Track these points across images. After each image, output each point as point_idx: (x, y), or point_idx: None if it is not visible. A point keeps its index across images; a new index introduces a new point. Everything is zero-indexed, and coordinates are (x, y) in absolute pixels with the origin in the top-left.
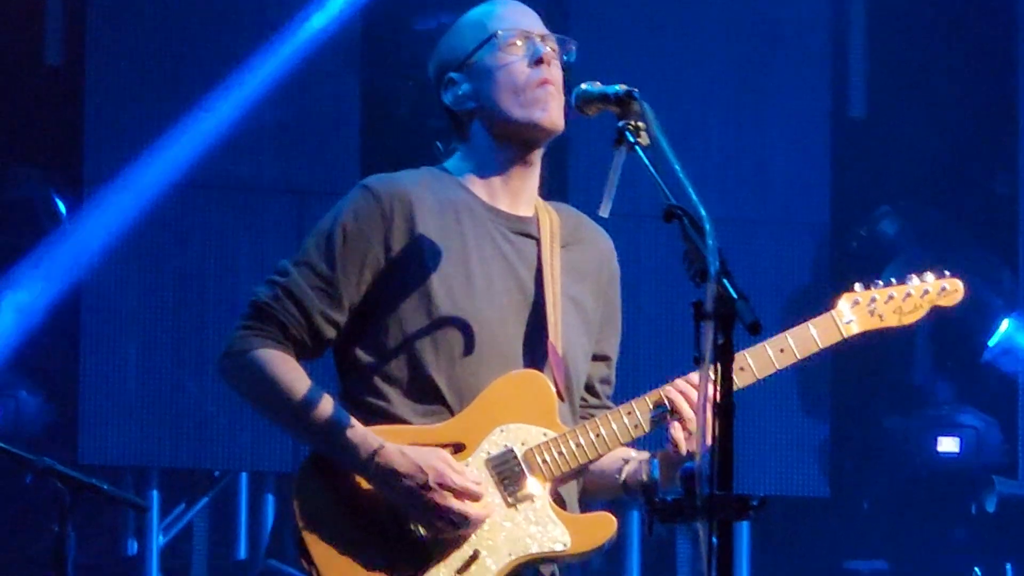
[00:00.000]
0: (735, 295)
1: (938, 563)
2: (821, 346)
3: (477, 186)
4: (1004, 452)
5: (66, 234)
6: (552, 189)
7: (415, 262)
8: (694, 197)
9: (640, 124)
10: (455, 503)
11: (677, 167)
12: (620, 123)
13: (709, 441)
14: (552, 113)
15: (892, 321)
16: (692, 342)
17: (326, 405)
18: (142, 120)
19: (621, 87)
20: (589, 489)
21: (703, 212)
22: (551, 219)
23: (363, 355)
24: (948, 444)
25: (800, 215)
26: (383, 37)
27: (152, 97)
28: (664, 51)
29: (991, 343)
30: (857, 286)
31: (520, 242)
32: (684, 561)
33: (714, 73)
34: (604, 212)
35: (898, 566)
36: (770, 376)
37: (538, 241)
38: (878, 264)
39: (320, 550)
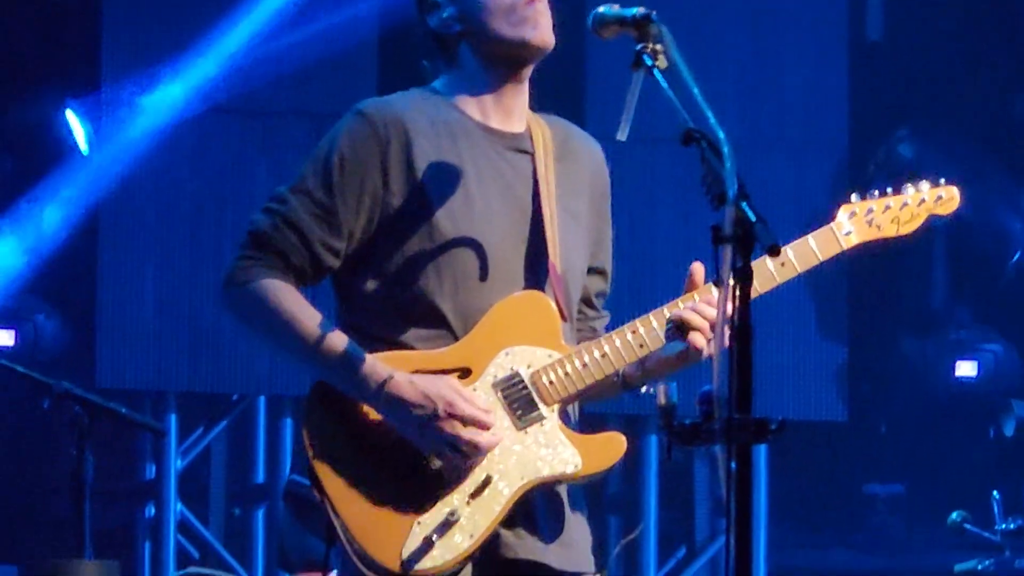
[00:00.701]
0: (753, 218)
1: (956, 487)
2: (821, 258)
3: (469, 106)
4: (1022, 376)
5: (84, 157)
6: (569, 114)
7: (414, 186)
8: (712, 120)
9: (658, 47)
10: (465, 432)
11: (695, 90)
12: (637, 46)
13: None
14: (543, 30)
15: (890, 231)
16: (711, 266)
17: (333, 335)
18: (160, 44)
19: (639, 10)
20: (589, 394)
21: (721, 135)
22: (543, 133)
23: (364, 281)
24: (966, 368)
25: (818, 138)
26: None
27: (170, 20)
28: None
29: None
30: (854, 197)
31: (515, 159)
32: (702, 485)
33: None
34: (622, 136)
35: (916, 490)
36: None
37: (532, 156)
38: (896, 186)
39: (332, 480)
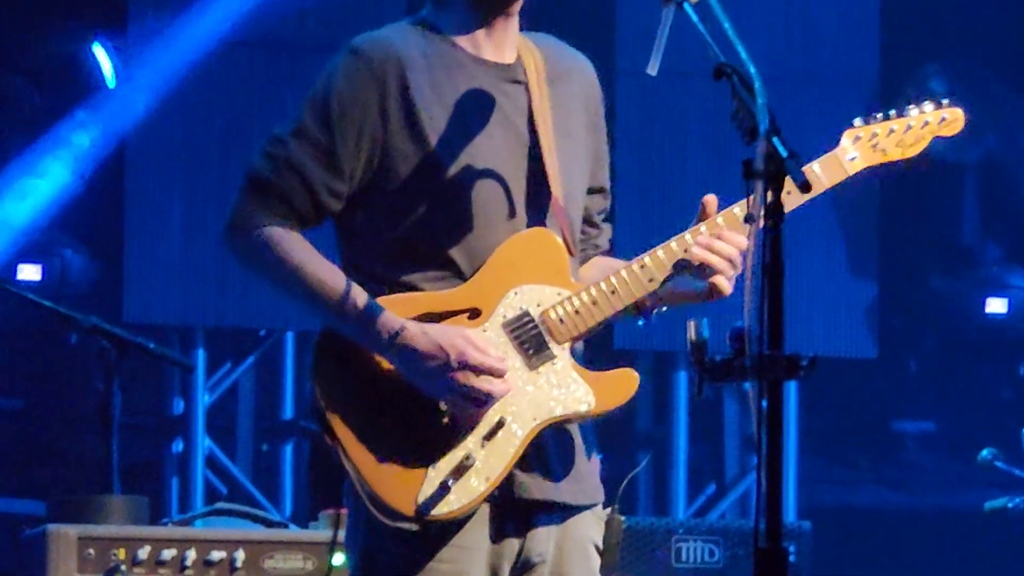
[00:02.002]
0: (785, 153)
1: (986, 424)
2: (827, 185)
3: (461, 38)
4: None
5: (111, 91)
6: (600, 49)
7: (413, 125)
8: (743, 55)
9: None
10: (478, 382)
11: (726, 25)
12: None
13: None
14: None
15: (895, 155)
16: (742, 201)
17: (343, 284)
18: None
19: None
20: (601, 326)
21: (752, 70)
22: (534, 58)
23: (366, 222)
24: (996, 305)
25: (849, 72)
26: None
27: None
28: None
29: None
30: (857, 121)
31: (511, 90)
32: (732, 421)
33: None
34: (652, 70)
35: (945, 427)
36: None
37: (527, 86)
38: None
39: (343, 428)
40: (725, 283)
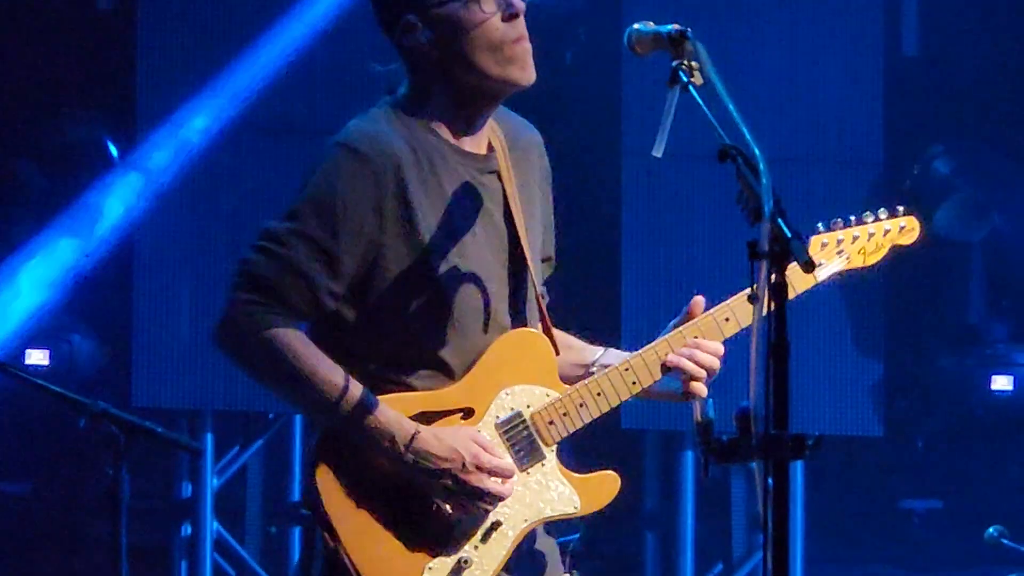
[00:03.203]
0: (789, 234)
1: (993, 501)
2: (798, 291)
3: (441, 127)
4: None
5: (120, 177)
6: (606, 130)
7: (408, 224)
8: (748, 136)
9: (693, 64)
10: (491, 484)
11: (731, 106)
12: (673, 63)
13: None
14: (529, 70)
15: (857, 263)
16: (747, 282)
17: (354, 390)
18: (194, 63)
19: (674, 27)
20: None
21: (757, 151)
22: (498, 139)
23: (358, 320)
24: (1002, 382)
25: (853, 154)
26: None
27: (204, 39)
28: None
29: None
30: (820, 226)
31: (488, 180)
32: (739, 501)
33: (767, 12)
34: (658, 152)
35: (953, 505)
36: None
37: (499, 174)
38: (931, 203)
39: (345, 526)
40: (701, 387)
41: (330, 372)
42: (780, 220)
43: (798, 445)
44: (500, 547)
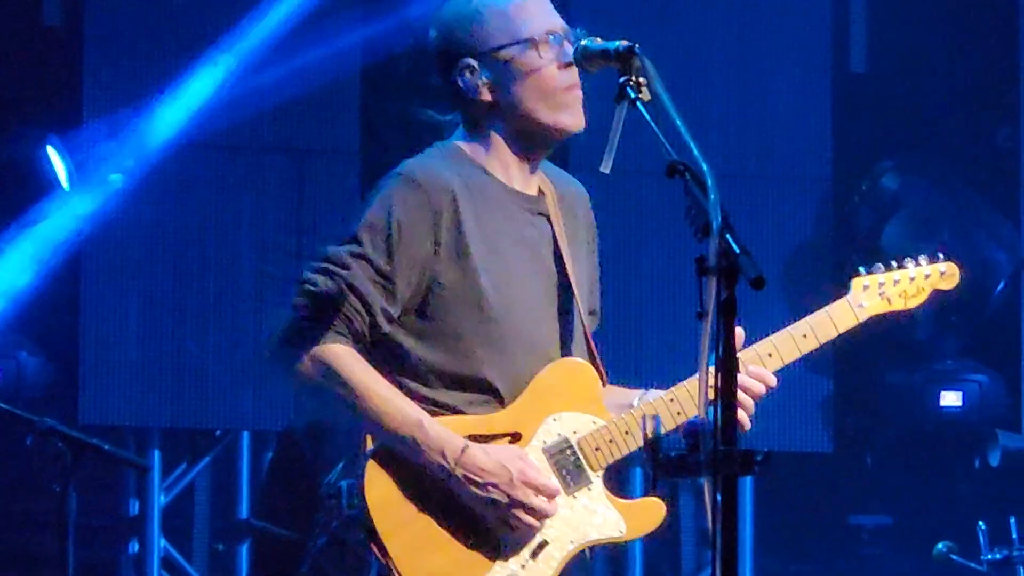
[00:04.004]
0: (738, 250)
1: (942, 518)
2: (839, 331)
3: (494, 168)
4: (1007, 406)
5: (66, 194)
6: (553, 149)
7: (461, 255)
8: (696, 152)
9: (641, 80)
10: (536, 500)
11: (679, 122)
12: (621, 79)
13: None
14: (579, 117)
15: (899, 305)
16: (696, 298)
17: (407, 406)
18: (141, 79)
19: (622, 43)
20: None
21: (705, 167)
22: (548, 187)
23: (411, 345)
24: (951, 398)
25: (802, 170)
26: None
27: (151, 56)
28: (665, 6)
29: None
30: (861, 269)
31: (538, 222)
32: (688, 517)
33: (715, 28)
34: (606, 168)
35: (902, 521)
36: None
37: (548, 218)
38: (881, 218)
39: (396, 545)
40: (745, 419)
41: (383, 387)
42: (728, 236)
43: (746, 461)
44: (547, 567)
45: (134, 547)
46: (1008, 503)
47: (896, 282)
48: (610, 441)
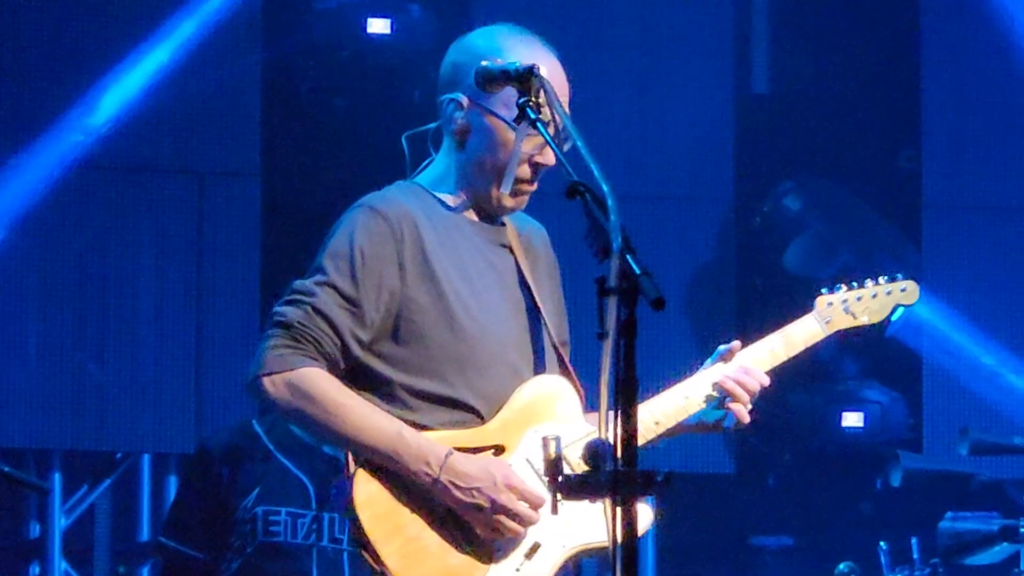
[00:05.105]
0: (638, 270)
1: (844, 538)
2: (805, 344)
3: (457, 202)
4: (909, 427)
5: None
6: None
7: (428, 279)
8: (597, 173)
9: (541, 100)
10: (520, 505)
11: (579, 143)
12: (520, 100)
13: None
14: (521, 204)
15: (862, 320)
16: (596, 319)
17: (384, 419)
18: (39, 101)
19: (521, 64)
20: None
21: (606, 188)
22: (509, 224)
23: (388, 371)
24: (852, 419)
25: (704, 191)
26: (284, 15)
27: (49, 77)
28: (567, 28)
29: (894, 317)
30: (824, 290)
31: (501, 253)
32: None
33: (617, 49)
34: (506, 189)
35: (804, 541)
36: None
37: (511, 249)
38: (782, 239)
39: (389, 550)
40: (744, 413)
41: (359, 404)
42: (629, 257)
43: (647, 481)
44: (544, 567)
45: (35, 570)
46: (909, 524)
47: (859, 299)
48: None
